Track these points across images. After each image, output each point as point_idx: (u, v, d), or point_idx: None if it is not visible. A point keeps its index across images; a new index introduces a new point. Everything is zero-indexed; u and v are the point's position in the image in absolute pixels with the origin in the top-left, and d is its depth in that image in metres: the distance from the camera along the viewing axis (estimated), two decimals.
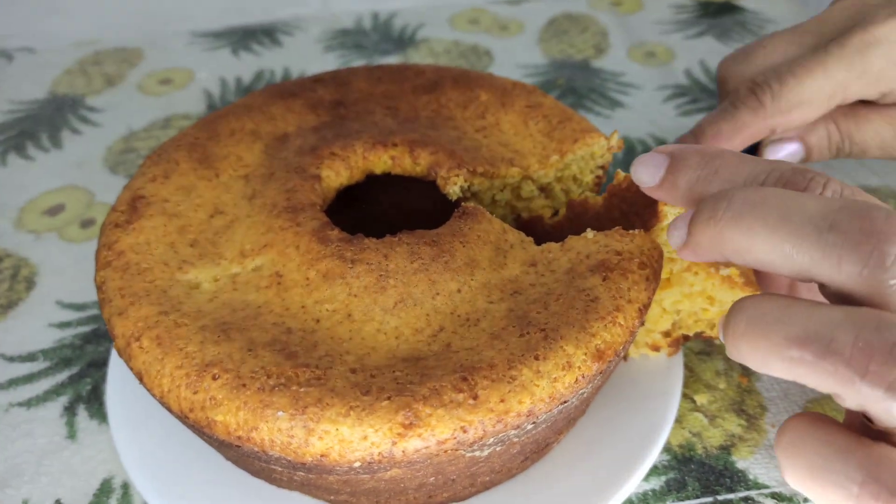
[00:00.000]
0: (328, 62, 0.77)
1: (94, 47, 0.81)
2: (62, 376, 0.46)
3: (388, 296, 0.34)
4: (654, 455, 0.38)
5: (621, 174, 0.38)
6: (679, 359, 0.42)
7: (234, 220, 0.39)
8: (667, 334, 0.43)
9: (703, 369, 0.45)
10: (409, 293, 0.34)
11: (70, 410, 0.44)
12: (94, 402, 0.45)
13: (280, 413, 0.29)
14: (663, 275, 0.39)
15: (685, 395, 0.43)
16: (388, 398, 0.29)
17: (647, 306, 0.34)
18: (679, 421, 0.42)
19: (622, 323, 0.33)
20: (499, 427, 0.29)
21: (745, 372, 0.45)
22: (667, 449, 0.41)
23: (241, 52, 0.79)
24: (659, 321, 0.42)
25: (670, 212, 0.36)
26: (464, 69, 0.49)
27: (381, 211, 0.46)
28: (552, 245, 0.37)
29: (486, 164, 0.41)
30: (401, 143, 0.42)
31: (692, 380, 0.44)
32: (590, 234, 0.37)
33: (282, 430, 0.29)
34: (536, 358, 0.31)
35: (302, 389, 0.29)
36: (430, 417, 0.29)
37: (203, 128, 0.44)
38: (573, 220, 0.42)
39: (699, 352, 0.46)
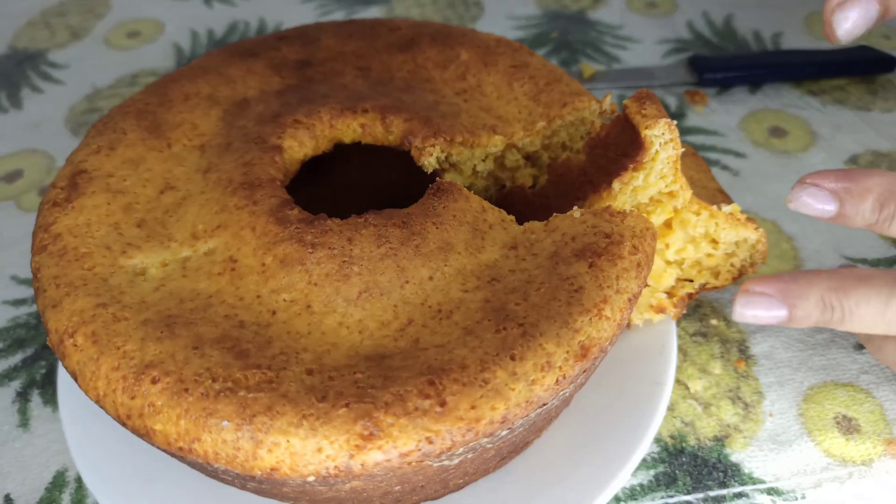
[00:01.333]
0: (306, 13, 0.72)
1: None
2: (15, 359, 0.43)
3: (351, 284, 0.31)
4: (643, 450, 0.35)
5: (597, 125, 0.37)
6: (673, 342, 0.39)
7: (187, 196, 0.35)
8: (670, 293, 0.40)
9: (698, 352, 0.42)
10: (376, 282, 0.31)
11: (23, 396, 0.41)
12: (49, 386, 0.42)
13: (225, 423, 0.26)
14: (664, 215, 0.37)
15: (678, 381, 0.40)
16: (347, 405, 0.26)
17: (636, 296, 0.31)
18: (671, 409, 0.39)
19: (609, 316, 0.30)
20: (469, 437, 0.26)
21: (743, 355, 0.42)
22: (657, 440, 0.38)
23: (214, 3, 0.74)
24: (662, 277, 0.39)
25: (655, 138, 0.33)
26: (443, 24, 0.45)
27: (349, 184, 0.43)
28: (535, 225, 0.34)
29: (465, 133, 0.38)
30: (372, 110, 0.38)
31: (686, 364, 0.41)
32: (576, 212, 0.34)
33: (227, 441, 0.26)
34: (513, 358, 0.28)
35: (250, 395, 0.26)
36: (392, 427, 0.26)
37: (154, 92, 0.40)
38: (557, 185, 0.38)
39: (694, 333, 0.43)
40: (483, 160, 0.40)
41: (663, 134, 0.33)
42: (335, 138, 0.38)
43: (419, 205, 0.34)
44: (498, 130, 0.39)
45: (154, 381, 0.27)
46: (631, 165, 0.34)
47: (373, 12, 0.72)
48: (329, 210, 0.39)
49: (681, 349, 0.42)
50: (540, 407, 0.28)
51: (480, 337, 0.29)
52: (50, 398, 0.41)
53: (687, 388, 0.40)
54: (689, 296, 0.40)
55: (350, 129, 0.38)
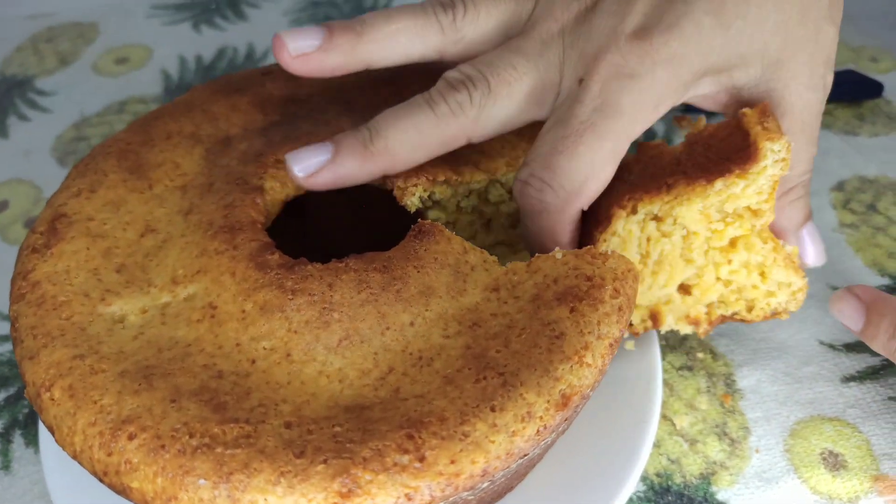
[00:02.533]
0: None
1: (48, 21, 0.76)
2: None
3: (332, 332, 0.31)
4: (629, 489, 0.35)
5: (703, 121, 0.38)
6: (658, 378, 0.39)
7: (167, 239, 0.35)
8: (708, 311, 0.40)
9: (685, 387, 0.42)
10: (356, 329, 0.31)
11: (4, 437, 0.41)
12: (32, 426, 0.41)
13: (202, 481, 0.26)
14: (740, 230, 0.37)
15: (664, 417, 0.40)
16: (325, 461, 0.26)
17: (618, 341, 0.31)
18: (657, 446, 0.39)
19: (590, 363, 0.29)
20: (448, 491, 0.26)
21: (729, 389, 0.42)
22: (643, 478, 0.38)
23: (202, 27, 0.74)
24: (709, 291, 0.39)
25: (771, 149, 0.33)
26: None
27: (333, 221, 0.43)
28: (517, 265, 0.34)
29: (447, 171, 0.38)
30: None
31: (672, 399, 0.41)
32: (558, 253, 0.34)
33: (204, 500, 0.26)
34: (493, 409, 0.27)
35: (228, 452, 0.26)
36: (371, 484, 0.26)
37: (137, 131, 0.40)
38: (646, 165, 0.38)
39: (680, 367, 0.43)
40: (467, 196, 0.40)
41: (780, 151, 0.34)
42: None
43: (400, 248, 0.33)
44: (481, 166, 0.39)
45: (131, 438, 0.27)
46: (737, 171, 0.34)
47: None
48: (313, 249, 0.39)
49: (667, 383, 0.42)
50: (521, 458, 0.28)
51: (460, 386, 0.28)
52: (32, 439, 0.41)
53: (673, 424, 0.40)
54: (721, 319, 0.40)
55: None
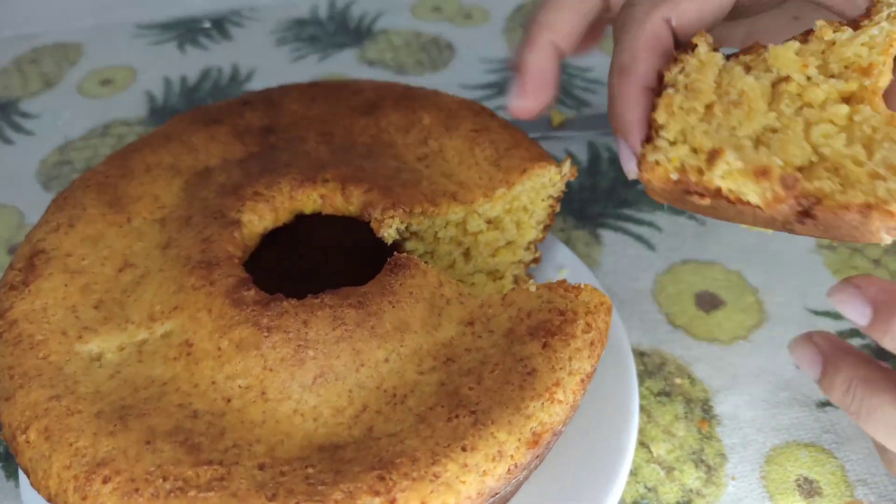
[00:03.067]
0: (279, 57, 0.73)
1: (32, 43, 0.76)
2: None
3: (307, 369, 0.31)
4: None
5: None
6: (635, 406, 0.39)
7: (145, 274, 0.35)
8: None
9: (662, 413, 0.42)
10: (331, 366, 0.31)
11: None
12: (11, 459, 0.41)
13: None
14: (838, 86, 0.29)
15: (641, 444, 0.41)
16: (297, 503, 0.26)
17: (590, 376, 0.31)
18: (634, 473, 0.39)
19: (561, 399, 0.30)
20: None
21: (706, 415, 0.42)
22: None
23: (187, 47, 0.74)
24: (791, 145, 0.29)
25: (886, 6, 0.30)
26: (407, 87, 0.45)
27: (313, 249, 0.43)
28: (493, 298, 0.34)
29: (425, 203, 0.38)
30: (332, 179, 0.38)
31: (650, 426, 0.42)
32: (532, 286, 0.34)
33: None
34: (464, 449, 0.28)
35: (201, 495, 0.26)
36: None
37: (116, 164, 0.40)
38: None
39: (658, 393, 0.43)
40: (444, 227, 0.40)
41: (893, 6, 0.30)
42: (296, 210, 0.38)
43: (376, 282, 0.34)
44: (458, 197, 0.39)
45: (105, 481, 0.27)
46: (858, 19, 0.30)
47: (346, 55, 0.73)
48: (291, 279, 0.40)
49: (645, 410, 0.42)
50: (492, 496, 0.28)
51: (433, 425, 0.29)
52: (13, 472, 0.41)
53: (650, 451, 0.40)
54: (803, 193, 0.29)
55: (310, 199, 0.38)
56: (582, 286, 0.33)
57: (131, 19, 0.79)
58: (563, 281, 0.34)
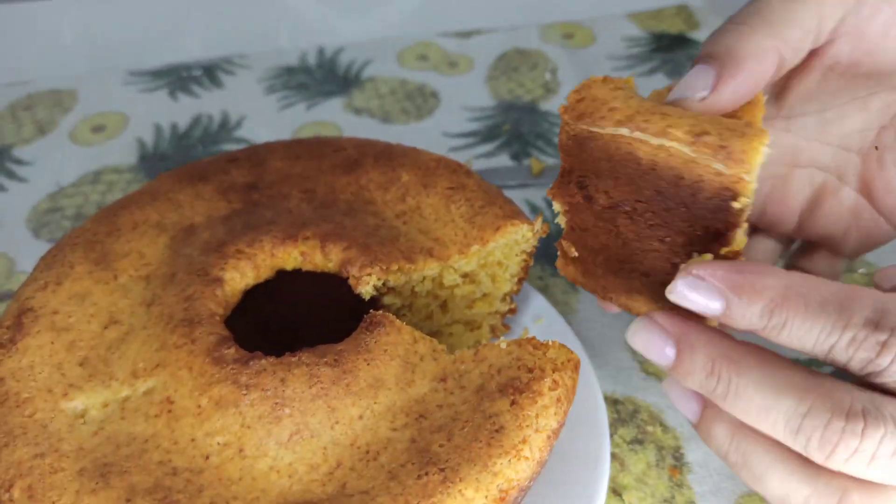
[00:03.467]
0: (268, 105, 0.75)
1: (27, 88, 0.78)
2: None
3: (283, 427, 0.32)
4: None
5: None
6: (606, 455, 0.41)
7: (130, 331, 0.36)
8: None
9: (635, 461, 0.43)
10: (306, 423, 0.32)
11: None
12: None
13: None
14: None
15: (614, 492, 0.42)
16: None
17: (556, 432, 0.33)
18: None
19: (528, 456, 0.31)
20: None
21: (678, 462, 0.43)
22: None
23: (178, 94, 0.76)
24: None
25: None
26: (387, 144, 0.47)
27: (294, 303, 0.44)
28: (465, 354, 0.36)
29: (401, 260, 0.39)
30: (313, 237, 0.40)
31: (623, 474, 0.43)
32: (503, 343, 0.36)
33: None
34: None
35: None
36: None
37: (103, 221, 0.41)
38: None
39: (631, 441, 0.44)
40: (421, 281, 0.41)
41: None
42: (276, 266, 0.40)
43: (351, 340, 0.35)
44: (434, 254, 0.41)
45: None
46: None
47: (333, 103, 0.75)
48: (272, 332, 0.41)
49: (618, 458, 0.43)
50: None
51: (403, 482, 0.30)
52: None
53: (622, 499, 0.41)
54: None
55: (291, 256, 0.40)
56: (550, 343, 0.35)
57: (125, 66, 0.81)
58: (533, 338, 0.35)
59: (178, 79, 0.78)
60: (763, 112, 0.31)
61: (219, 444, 0.32)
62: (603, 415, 0.43)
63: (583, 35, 0.84)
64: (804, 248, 0.40)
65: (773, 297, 0.28)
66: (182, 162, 0.68)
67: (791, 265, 0.39)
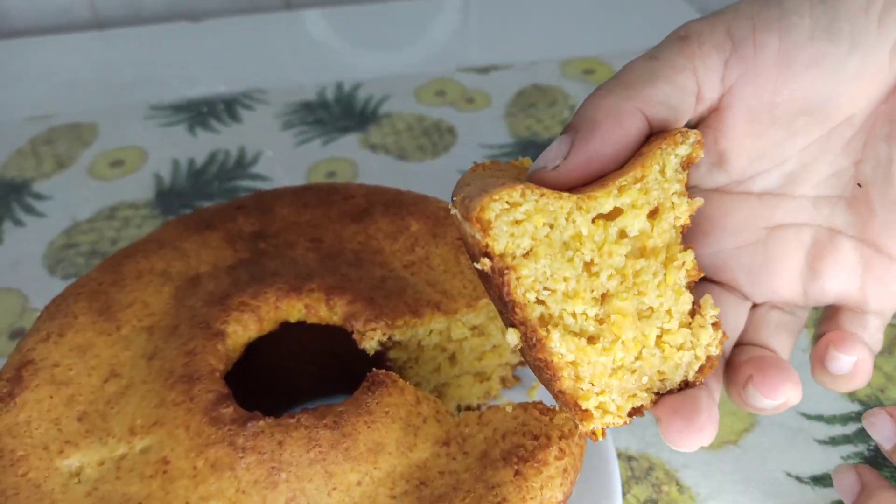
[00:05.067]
0: (285, 140, 0.75)
1: (48, 123, 0.79)
2: None
3: (279, 492, 0.31)
4: None
5: None
6: None
7: (130, 385, 0.36)
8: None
9: None
10: (302, 489, 0.31)
11: None
12: None
13: None
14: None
15: None
16: None
17: (563, 503, 0.31)
18: None
19: None
20: None
21: None
22: None
23: (197, 129, 0.77)
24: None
25: None
26: (397, 191, 0.46)
27: (297, 355, 0.43)
28: (470, 417, 0.35)
29: (407, 314, 0.38)
30: (317, 289, 0.39)
31: None
32: (508, 407, 0.34)
33: None
34: None
35: None
36: None
37: (109, 270, 0.41)
38: None
39: (645, 500, 0.43)
40: (428, 335, 0.40)
41: None
42: (280, 319, 0.39)
43: (352, 401, 0.34)
44: (442, 307, 0.40)
45: None
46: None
47: (350, 139, 0.75)
48: (274, 385, 0.40)
49: None
50: None
51: None
52: None
53: None
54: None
55: (295, 309, 0.39)
56: (557, 408, 0.34)
57: (146, 100, 0.81)
58: (539, 402, 0.34)
59: (197, 114, 0.79)
60: (644, 169, 0.28)
61: None
62: (615, 472, 0.41)
63: (604, 71, 0.83)
64: (828, 313, 0.37)
65: None
66: (197, 198, 0.68)
67: (818, 336, 0.35)
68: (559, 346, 0.27)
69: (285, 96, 0.81)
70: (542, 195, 0.27)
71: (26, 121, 0.79)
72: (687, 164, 0.30)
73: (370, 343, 0.38)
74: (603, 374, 0.29)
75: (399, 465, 0.33)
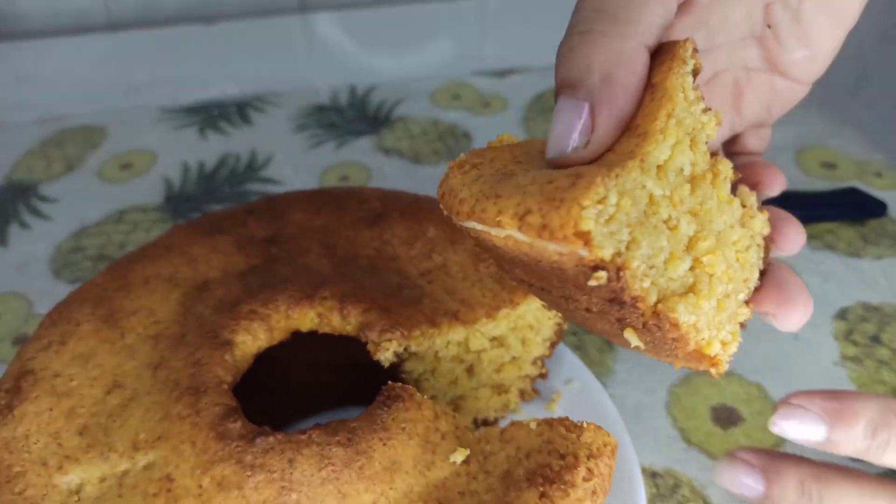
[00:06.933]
0: (297, 143, 0.73)
1: (59, 125, 0.78)
2: None
3: None
4: None
5: None
6: None
7: (133, 397, 0.34)
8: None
9: None
10: None
11: None
12: None
13: None
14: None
15: None
16: None
17: None
18: None
19: None
20: None
21: None
22: None
23: (208, 132, 0.75)
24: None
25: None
26: (414, 196, 0.44)
27: (309, 365, 0.42)
28: (491, 433, 0.33)
29: (424, 324, 0.37)
30: (331, 297, 0.37)
31: None
32: (532, 424, 0.32)
33: None
34: None
35: None
36: None
37: (114, 275, 0.39)
38: None
39: None
40: (445, 346, 0.39)
41: None
42: (292, 328, 0.38)
43: (367, 416, 0.32)
44: (460, 317, 0.38)
45: None
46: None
47: (363, 143, 0.73)
48: (285, 396, 0.38)
49: None
50: None
51: None
52: None
53: None
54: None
55: (307, 318, 0.37)
56: (584, 425, 0.32)
57: (157, 103, 0.80)
58: (566, 419, 0.32)
59: (208, 116, 0.78)
60: (672, 103, 0.26)
61: None
62: (640, 490, 0.39)
63: None
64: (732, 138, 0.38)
65: (873, 417, 0.32)
66: (207, 202, 0.66)
67: (726, 154, 0.37)
68: (686, 317, 0.26)
69: (298, 99, 0.80)
70: (615, 176, 0.24)
71: (37, 122, 0.78)
72: (694, 75, 0.28)
73: (385, 354, 0.36)
74: (714, 315, 0.28)
75: (416, 484, 0.31)
